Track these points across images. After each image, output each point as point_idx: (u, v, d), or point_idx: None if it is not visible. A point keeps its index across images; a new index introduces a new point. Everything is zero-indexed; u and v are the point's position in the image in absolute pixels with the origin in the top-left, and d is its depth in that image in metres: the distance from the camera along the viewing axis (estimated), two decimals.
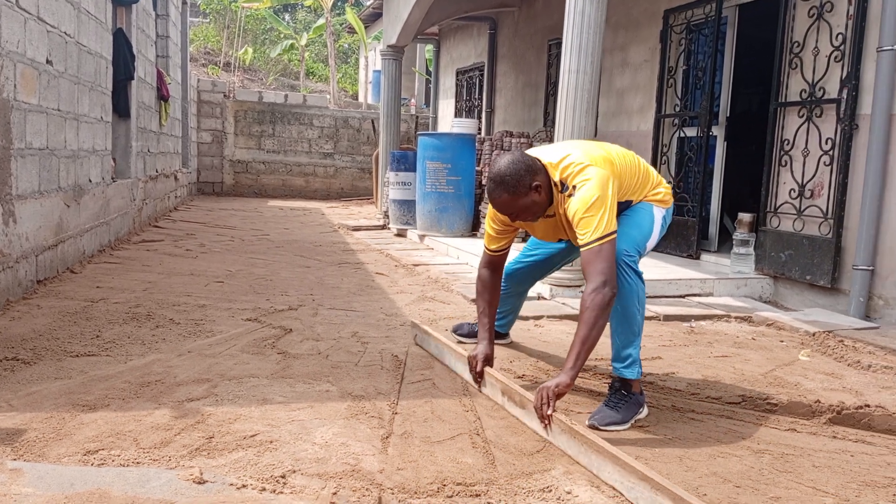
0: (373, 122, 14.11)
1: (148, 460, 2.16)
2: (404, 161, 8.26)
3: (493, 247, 3.06)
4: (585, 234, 2.52)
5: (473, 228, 7.77)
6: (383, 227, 9.11)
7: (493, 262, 3.10)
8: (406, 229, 8.37)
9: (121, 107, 6.94)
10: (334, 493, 1.97)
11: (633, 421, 2.62)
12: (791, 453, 2.42)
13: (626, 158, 2.84)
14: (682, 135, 6.64)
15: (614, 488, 2.07)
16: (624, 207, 2.81)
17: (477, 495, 2.04)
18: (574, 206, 2.57)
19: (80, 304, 4.17)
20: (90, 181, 5.78)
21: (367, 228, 9.01)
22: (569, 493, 2.07)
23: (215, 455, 2.22)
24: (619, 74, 7.55)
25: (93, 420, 2.45)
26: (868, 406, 2.79)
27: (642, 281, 2.65)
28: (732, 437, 2.56)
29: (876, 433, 2.66)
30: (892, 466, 2.36)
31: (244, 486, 2.00)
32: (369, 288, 5.13)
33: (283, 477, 2.06)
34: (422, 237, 7.81)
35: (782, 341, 4.08)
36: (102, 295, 4.44)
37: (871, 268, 4.60)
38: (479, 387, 2.92)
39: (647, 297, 5.09)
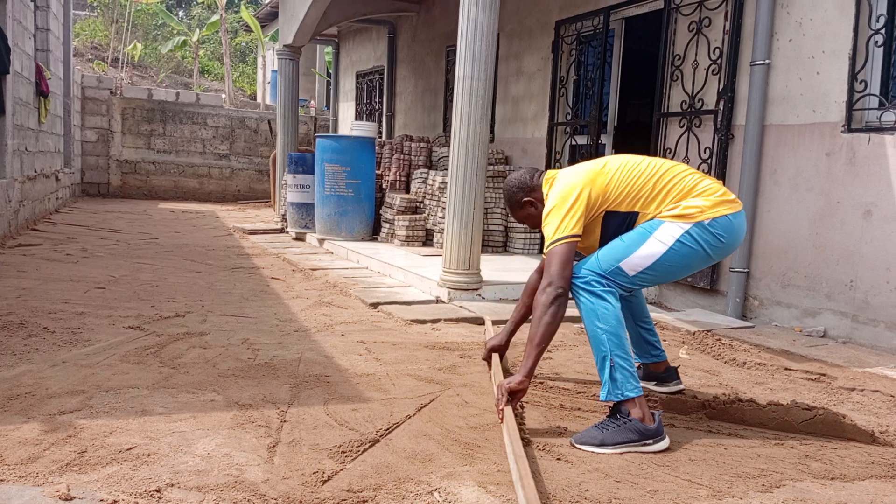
0: (270, 123, 13.81)
1: (13, 477, 2.02)
2: (302, 163, 8.12)
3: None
4: (546, 239, 2.67)
5: (374, 232, 7.74)
6: (281, 230, 8.92)
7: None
8: (305, 233, 8.23)
9: None
10: None
11: (621, 447, 2.46)
12: (668, 448, 2.53)
13: (634, 169, 2.70)
14: (574, 142, 6.86)
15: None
16: (628, 221, 2.71)
17: (364, 501, 2.02)
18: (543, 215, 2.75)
19: None
20: None
21: (265, 232, 8.80)
22: (455, 494, 2.08)
23: (87, 470, 2.10)
24: (514, 82, 7.71)
25: None
26: (741, 401, 2.95)
27: (604, 299, 2.56)
28: None
29: (748, 426, 2.82)
30: (762, 458, 2.50)
31: (115, 501, 1.90)
32: (263, 293, 5.00)
33: (158, 491, 1.97)
34: (321, 241, 7.70)
35: (665, 340, 4.27)
36: None
37: (746, 270, 4.90)
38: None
39: None
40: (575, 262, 2.67)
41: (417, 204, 7.40)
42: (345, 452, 2.34)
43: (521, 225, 6.97)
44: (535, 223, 2.94)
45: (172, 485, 2.03)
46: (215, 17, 18.44)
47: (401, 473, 2.20)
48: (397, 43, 11.05)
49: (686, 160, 5.36)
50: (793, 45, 4.61)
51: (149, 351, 3.39)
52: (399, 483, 2.14)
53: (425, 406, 2.83)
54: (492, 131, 8.12)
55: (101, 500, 1.91)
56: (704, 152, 5.21)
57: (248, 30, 17.19)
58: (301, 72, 10.14)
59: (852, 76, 4.27)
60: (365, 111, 12.57)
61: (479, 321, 4.48)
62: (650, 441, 2.49)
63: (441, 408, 2.83)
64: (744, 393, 3.19)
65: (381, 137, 11.07)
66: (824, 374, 3.58)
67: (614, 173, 2.71)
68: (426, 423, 2.65)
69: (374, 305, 4.73)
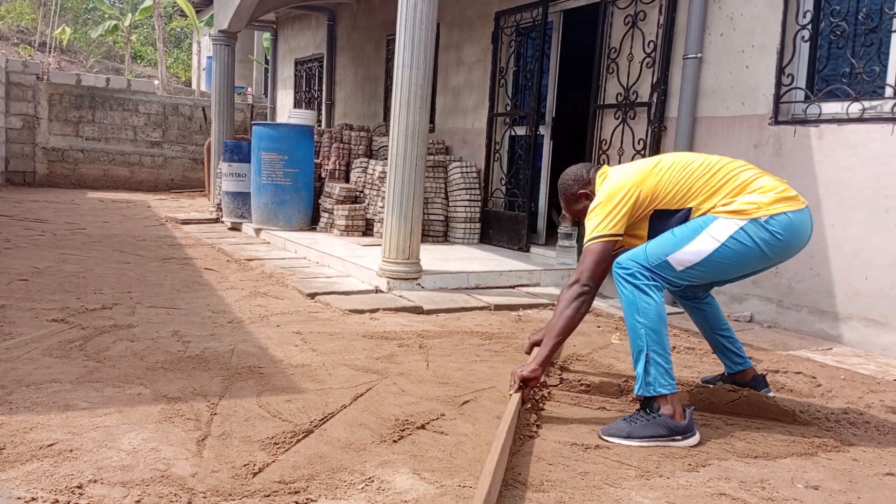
0: (204, 111, 13.45)
1: None
2: (238, 151, 7.95)
3: None
4: (585, 235, 2.67)
5: (313, 222, 7.63)
6: (216, 220, 8.71)
7: None
8: (241, 223, 8.06)
9: None
10: (137, 502, 1.84)
11: (649, 441, 2.45)
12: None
13: (687, 167, 2.64)
14: (514, 133, 6.91)
15: None
16: (678, 217, 2.64)
17: (296, 492, 1.99)
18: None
19: None
20: None
21: (199, 222, 8.57)
22: (389, 482, 2.07)
23: (6, 468, 2.01)
24: (454, 72, 7.71)
25: None
26: None
27: (646, 293, 2.51)
28: (548, 419, 2.69)
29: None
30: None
31: (34, 499, 1.82)
32: (196, 284, 4.87)
33: (79, 487, 1.90)
34: (258, 231, 7.55)
35: (599, 326, 4.35)
36: None
37: None
38: None
39: (480, 289, 5.32)
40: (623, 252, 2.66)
41: (357, 193, 7.34)
42: (277, 444, 2.30)
43: (461, 214, 7.00)
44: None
45: (95, 480, 1.96)
46: (148, 2, 17.83)
47: (334, 463, 2.18)
48: (337, 30, 10.90)
49: (621, 151, 5.46)
50: (724, 40, 4.74)
51: (73, 344, 3.26)
52: (332, 473, 2.12)
53: (361, 395, 2.81)
54: (432, 121, 8.10)
55: (19, 498, 1.83)
56: (638, 144, 5.31)
57: (183, 14, 16.68)
58: (238, 58, 9.90)
59: (780, 70, 4.41)
60: (304, 99, 12.38)
61: (419, 310, 4.47)
62: (679, 437, 2.46)
63: (377, 397, 2.81)
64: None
65: (320, 126, 10.92)
66: (750, 357, 3.69)
67: (666, 172, 2.64)
68: (362, 412, 2.63)
69: (312, 296, 4.67)
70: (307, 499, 1.96)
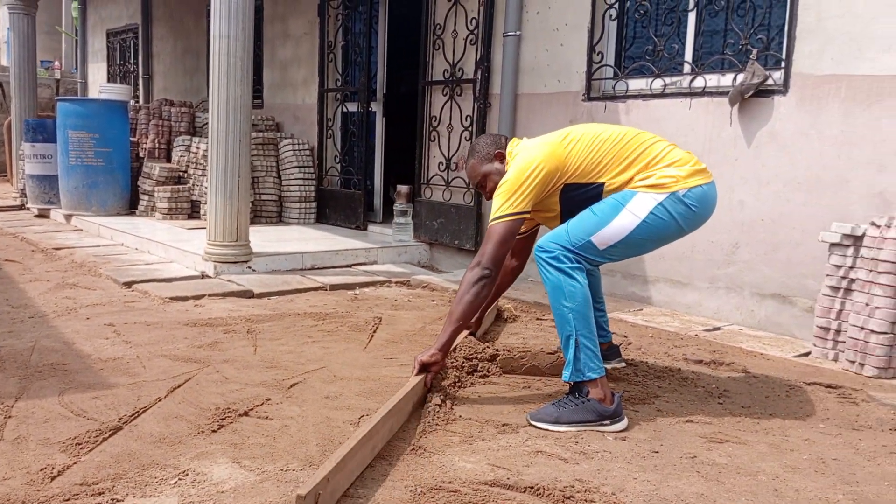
0: (2, 86, 12.10)
1: None
2: (42, 130, 7.24)
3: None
4: (491, 213, 2.56)
5: (132, 206, 7.11)
6: (21, 207, 7.93)
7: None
8: (49, 209, 7.36)
9: None
10: None
11: (577, 426, 2.41)
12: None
13: (596, 139, 2.57)
14: (346, 110, 6.80)
15: None
16: (590, 192, 2.57)
17: (100, 493, 1.84)
18: None
19: None
20: None
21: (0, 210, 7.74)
22: (206, 474, 1.97)
23: None
24: (281, 46, 7.45)
25: None
26: (497, 353, 3.12)
27: (571, 276, 2.44)
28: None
29: (505, 374, 2.98)
30: (510, 402, 2.67)
31: None
32: None
33: None
34: (68, 217, 6.93)
35: (433, 300, 4.42)
36: None
37: None
38: None
39: (316, 269, 5.22)
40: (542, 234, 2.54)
41: (181, 173, 6.92)
42: (80, 444, 2.12)
43: (295, 194, 6.82)
44: (494, 184, 2.71)
45: None
46: None
47: (145, 459, 2.04)
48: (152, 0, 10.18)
49: (450, 128, 5.53)
50: (540, 18, 4.91)
51: None
52: (142, 470, 1.98)
53: (179, 386, 2.65)
54: (260, 96, 7.79)
55: None
56: (466, 120, 5.41)
57: None
58: (45, 30, 9.01)
59: (591, 48, 4.64)
60: (119, 73, 11.48)
61: (248, 294, 4.31)
62: (607, 422, 2.43)
63: (197, 387, 2.67)
64: (502, 345, 3.39)
65: (137, 101, 10.18)
66: None
67: (576, 144, 2.57)
68: (179, 403, 2.49)
69: (129, 284, 4.35)
70: (112, 499, 1.82)
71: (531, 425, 2.43)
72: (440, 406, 2.50)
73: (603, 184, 2.54)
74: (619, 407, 2.47)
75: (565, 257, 2.47)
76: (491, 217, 2.55)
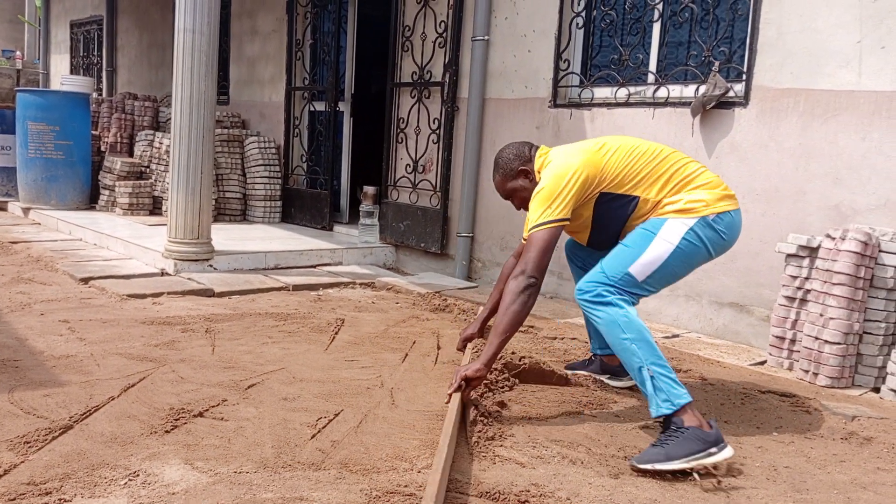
0: None
1: None
2: (2, 121, 7.11)
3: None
4: (528, 223, 2.49)
5: (92, 200, 6.98)
6: None
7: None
8: (7, 202, 7.19)
9: None
10: None
11: (689, 459, 2.18)
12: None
13: (634, 151, 2.53)
14: (313, 109, 6.76)
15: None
16: (624, 205, 2.53)
17: (48, 493, 1.80)
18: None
19: None
20: None
21: None
22: (157, 475, 1.94)
23: None
24: (248, 42, 7.37)
25: None
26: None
27: (618, 306, 2.37)
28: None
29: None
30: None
31: None
32: None
33: None
34: (26, 211, 6.77)
35: (398, 303, 4.41)
36: None
37: (471, 235, 5.21)
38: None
39: (280, 269, 5.16)
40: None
41: (143, 169, 6.80)
42: (29, 443, 2.07)
43: (260, 192, 6.75)
44: (523, 198, 2.70)
45: None
46: None
47: (95, 459, 2.00)
48: None
49: (417, 130, 5.53)
50: (508, 23, 4.94)
51: None
52: (92, 470, 1.94)
53: (133, 385, 2.60)
54: (227, 93, 7.70)
55: None
56: (434, 123, 5.41)
57: None
58: (7, 18, 8.78)
59: (558, 55, 4.68)
60: (82, 65, 11.25)
61: (209, 293, 4.25)
62: (714, 449, 2.20)
63: (152, 386, 2.62)
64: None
65: (100, 94, 10.00)
66: (532, 326, 3.94)
67: (613, 154, 2.53)
68: (132, 403, 2.44)
69: (86, 280, 4.27)
70: (60, 499, 1.78)
71: (639, 470, 2.20)
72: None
73: (638, 198, 2.52)
74: (719, 431, 2.26)
75: (607, 292, 2.41)
76: (531, 225, 2.48)
